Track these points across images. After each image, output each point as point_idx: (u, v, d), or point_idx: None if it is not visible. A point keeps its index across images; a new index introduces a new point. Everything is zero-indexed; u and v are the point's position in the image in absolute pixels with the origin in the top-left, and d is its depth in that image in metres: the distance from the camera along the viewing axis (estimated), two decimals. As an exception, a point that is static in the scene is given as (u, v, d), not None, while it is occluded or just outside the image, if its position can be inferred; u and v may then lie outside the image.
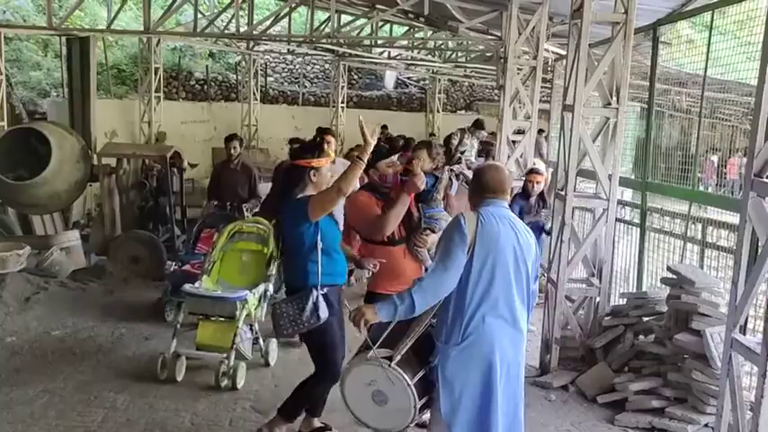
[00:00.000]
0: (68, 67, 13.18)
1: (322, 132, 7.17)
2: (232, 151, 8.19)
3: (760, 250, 3.31)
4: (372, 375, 3.34)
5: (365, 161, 4.00)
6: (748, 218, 3.37)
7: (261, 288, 5.61)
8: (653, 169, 7.06)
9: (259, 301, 5.60)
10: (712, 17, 5.75)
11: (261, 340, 5.93)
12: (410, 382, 3.28)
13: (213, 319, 5.62)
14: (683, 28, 9.70)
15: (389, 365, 3.28)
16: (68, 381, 5.49)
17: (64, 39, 13.46)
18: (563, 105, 5.92)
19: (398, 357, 3.30)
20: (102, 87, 15.77)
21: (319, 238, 4.16)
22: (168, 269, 8.13)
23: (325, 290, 4.22)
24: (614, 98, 5.81)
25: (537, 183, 7.25)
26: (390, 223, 4.37)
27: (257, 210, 7.80)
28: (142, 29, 12.99)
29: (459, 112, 23.09)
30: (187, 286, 5.56)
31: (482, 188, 3.48)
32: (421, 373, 3.37)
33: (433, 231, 4.67)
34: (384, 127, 17.52)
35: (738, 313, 3.40)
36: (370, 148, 3.98)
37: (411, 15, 11.11)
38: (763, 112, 3.30)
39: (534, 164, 9.05)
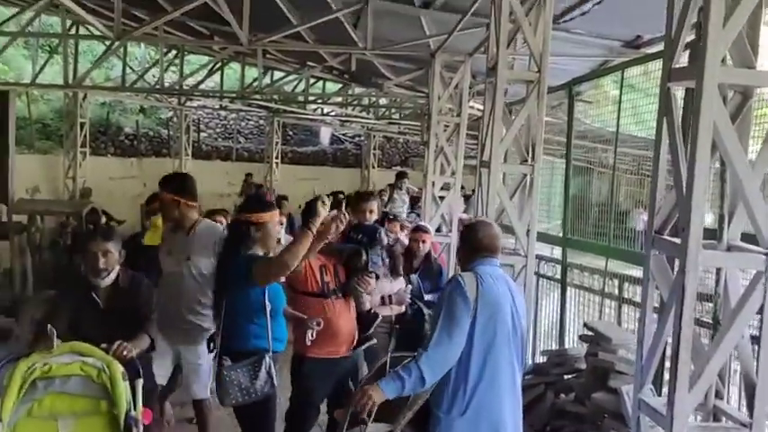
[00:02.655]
0: (-12, 121, 12.79)
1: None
2: None
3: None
4: None
5: (314, 231, 3.86)
6: (651, 275, 3.34)
7: None
8: (572, 225, 7.12)
9: None
10: (622, 75, 5.89)
11: None
12: None
13: None
14: (610, 87, 10.00)
15: None
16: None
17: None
18: (480, 162, 5.91)
19: None
20: (26, 142, 15.32)
21: (267, 299, 3.97)
22: None
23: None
24: (530, 155, 5.82)
25: (423, 242, 6.07)
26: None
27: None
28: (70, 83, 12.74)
29: (394, 168, 23.24)
30: None
31: (475, 246, 3.36)
32: None
33: (377, 278, 4.61)
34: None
35: (645, 373, 3.33)
36: (319, 221, 3.87)
37: (336, 72, 11.19)
38: (662, 170, 3.31)
39: (461, 220, 9.05)
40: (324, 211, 3.85)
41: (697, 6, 3.01)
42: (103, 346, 3.32)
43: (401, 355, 3.50)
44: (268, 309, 3.97)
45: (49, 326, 3.21)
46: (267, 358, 3.95)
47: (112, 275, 3.79)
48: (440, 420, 3.19)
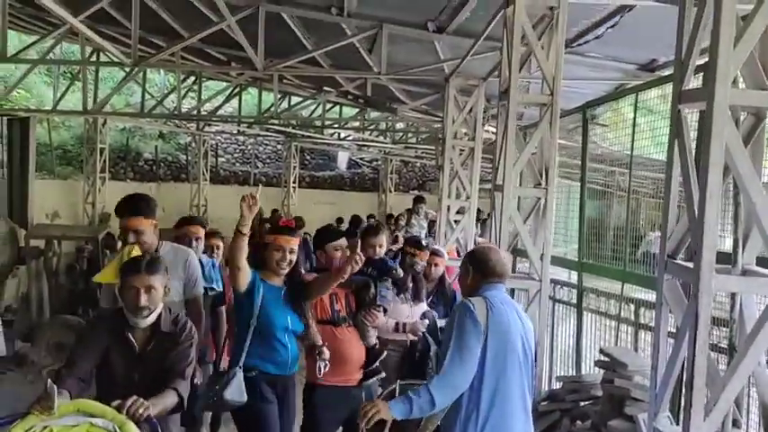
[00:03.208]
0: (9, 147, 13.00)
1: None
2: None
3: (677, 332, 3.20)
4: None
5: (245, 233, 3.79)
6: (664, 300, 3.27)
7: None
8: (590, 249, 7.04)
9: None
10: (636, 98, 5.86)
11: None
12: None
13: None
14: (627, 111, 9.95)
15: None
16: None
17: (5, 120, 13.30)
18: (494, 185, 5.88)
19: None
20: (46, 168, 15.52)
21: (255, 316, 3.98)
22: None
23: (254, 373, 4.00)
24: (544, 178, 5.78)
25: (436, 266, 5.92)
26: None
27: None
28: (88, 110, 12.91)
29: (411, 192, 23.23)
30: None
31: (485, 272, 3.33)
32: None
33: (385, 312, 4.59)
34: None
35: (659, 400, 3.26)
36: (246, 221, 3.77)
37: (350, 97, 11.26)
38: (673, 193, 3.26)
39: (476, 243, 8.99)
40: (248, 213, 3.74)
41: (708, 28, 2.97)
42: (115, 403, 2.79)
43: (410, 383, 3.48)
44: (252, 326, 3.99)
45: (48, 382, 2.71)
46: (233, 370, 3.97)
47: (154, 315, 3.26)
48: None
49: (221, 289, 4.85)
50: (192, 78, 14.66)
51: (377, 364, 4.46)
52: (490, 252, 3.48)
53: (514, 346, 3.18)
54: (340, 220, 15.62)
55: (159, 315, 3.29)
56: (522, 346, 3.22)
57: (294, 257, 4.16)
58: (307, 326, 4.21)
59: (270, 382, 4.08)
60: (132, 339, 3.23)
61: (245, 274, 3.95)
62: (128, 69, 12.32)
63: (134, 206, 4.10)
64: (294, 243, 4.15)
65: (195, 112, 14.47)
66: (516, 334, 3.20)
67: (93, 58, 12.65)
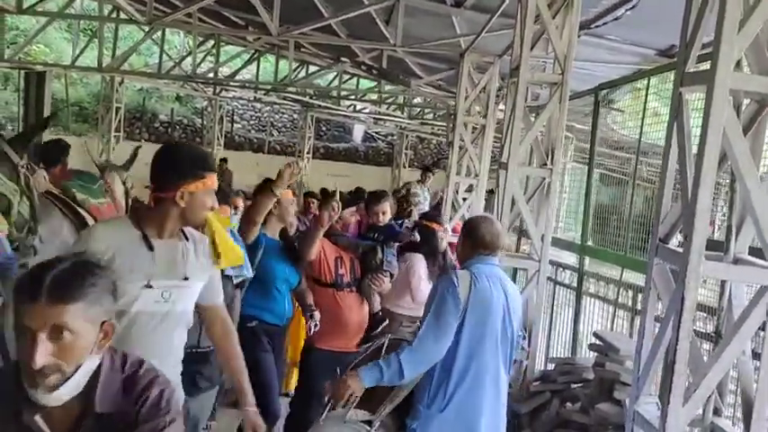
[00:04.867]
0: (25, 101, 13.06)
1: None
2: None
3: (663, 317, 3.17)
4: None
5: (277, 194, 3.99)
6: (653, 284, 3.24)
7: None
8: (600, 234, 7.01)
9: None
10: (648, 82, 5.79)
11: None
12: None
13: None
14: (649, 98, 9.81)
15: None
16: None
17: (23, 73, 13.36)
18: (498, 163, 5.84)
19: (378, 423, 3.10)
20: (62, 124, 15.59)
21: (257, 265, 4.12)
22: None
23: (254, 323, 4.16)
24: (549, 158, 5.73)
25: None
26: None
27: None
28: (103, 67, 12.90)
29: (428, 169, 23.15)
30: None
31: (475, 243, 3.30)
32: None
33: (392, 276, 4.62)
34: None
35: (641, 384, 3.24)
36: (282, 184, 3.97)
37: (364, 67, 11.19)
38: (669, 177, 3.21)
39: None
40: (288, 178, 3.93)
41: (714, 9, 2.90)
42: None
43: (400, 339, 3.50)
44: (249, 276, 4.09)
45: None
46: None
47: (72, 384, 1.64)
48: (419, 414, 3.17)
49: None
50: (212, 42, 14.60)
51: (378, 330, 4.51)
52: (483, 221, 3.45)
53: (494, 325, 3.17)
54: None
55: (93, 379, 1.71)
56: (503, 323, 3.20)
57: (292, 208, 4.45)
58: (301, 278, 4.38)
59: (267, 331, 4.25)
60: (41, 427, 1.67)
61: (257, 231, 4.15)
62: (146, 29, 12.27)
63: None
64: (288, 195, 4.36)
65: (212, 75, 14.43)
66: (498, 311, 3.18)
67: (111, 17, 12.58)
